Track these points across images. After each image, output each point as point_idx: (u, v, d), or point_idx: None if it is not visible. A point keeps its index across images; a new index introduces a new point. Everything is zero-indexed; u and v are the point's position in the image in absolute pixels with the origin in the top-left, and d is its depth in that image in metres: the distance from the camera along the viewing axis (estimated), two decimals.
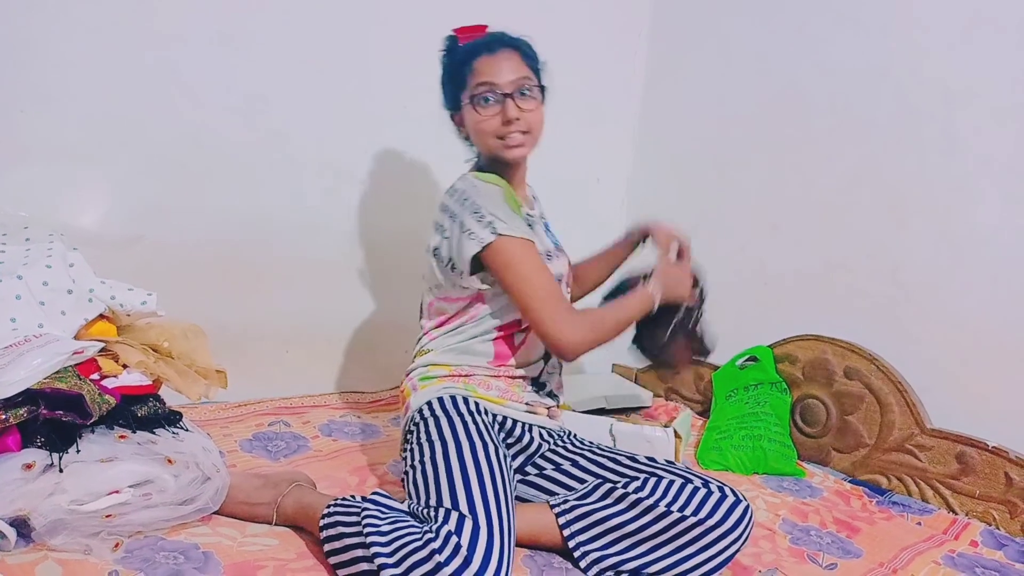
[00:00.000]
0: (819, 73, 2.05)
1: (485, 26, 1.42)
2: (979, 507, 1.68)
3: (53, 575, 0.99)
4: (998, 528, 1.63)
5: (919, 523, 1.63)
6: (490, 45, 1.38)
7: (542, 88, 1.42)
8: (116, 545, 1.07)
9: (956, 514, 1.69)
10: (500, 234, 1.30)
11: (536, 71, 1.41)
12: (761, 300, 2.19)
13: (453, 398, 1.36)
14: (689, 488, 1.24)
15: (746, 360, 2.09)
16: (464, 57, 1.39)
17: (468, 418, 1.31)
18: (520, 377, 1.44)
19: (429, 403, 1.36)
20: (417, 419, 1.35)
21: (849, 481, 1.84)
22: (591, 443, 1.46)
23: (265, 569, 1.10)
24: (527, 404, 1.42)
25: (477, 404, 1.36)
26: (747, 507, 1.25)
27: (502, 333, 1.42)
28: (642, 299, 1.41)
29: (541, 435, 1.42)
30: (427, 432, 1.30)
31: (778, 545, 1.45)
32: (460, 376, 1.40)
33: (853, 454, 1.90)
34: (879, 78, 1.92)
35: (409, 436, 1.36)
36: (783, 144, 2.13)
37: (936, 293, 1.82)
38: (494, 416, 1.38)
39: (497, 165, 1.42)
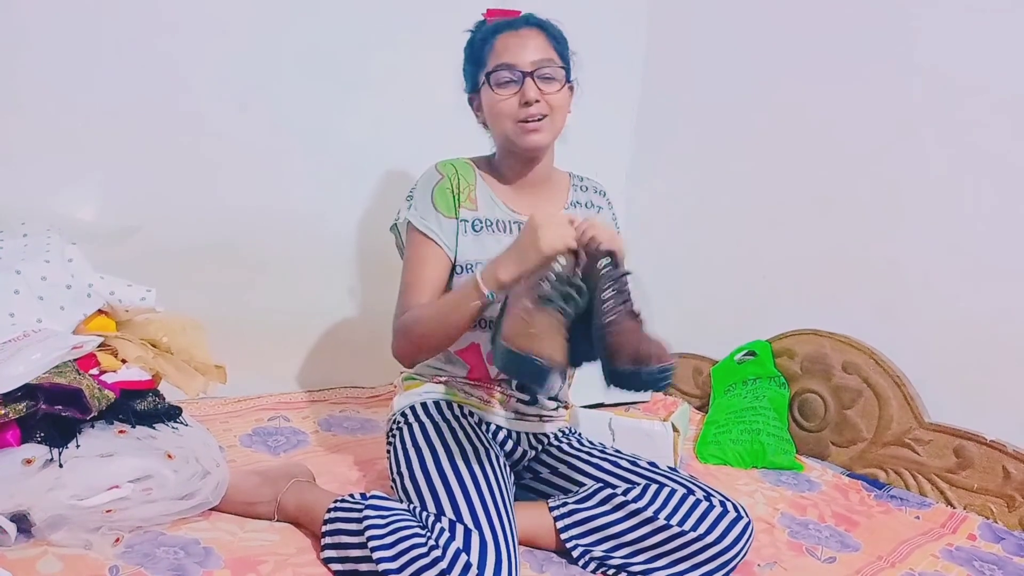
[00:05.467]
0: (818, 66, 2.05)
1: (518, 11, 1.35)
2: (977, 501, 1.69)
3: (54, 570, 0.99)
4: (996, 522, 1.64)
5: (917, 517, 1.63)
6: (513, 23, 1.31)
7: (567, 71, 1.33)
8: (116, 540, 1.07)
9: (954, 508, 1.70)
10: (408, 219, 1.34)
11: (562, 55, 1.33)
12: (759, 294, 2.19)
13: (437, 403, 1.34)
14: (690, 500, 1.22)
15: (744, 354, 2.10)
16: (486, 35, 1.32)
17: (455, 423, 1.29)
18: (503, 391, 1.37)
19: (412, 407, 1.34)
20: (401, 422, 1.33)
21: (847, 475, 1.84)
22: (591, 443, 1.42)
23: (266, 564, 1.09)
24: (515, 412, 1.38)
25: (461, 407, 1.34)
26: (748, 523, 1.23)
27: (467, 353, 1.36)
28: (466, 284, 1.19)
29: (529, 441, 1.39)
30: (412, 437, 1.27)
31: (777, 539, 1.45)
32: (440, 382, 1.38)
33: (851, 448, 1.91)
34: (877, 71, 1.92)
35: (391, 438, 1.34)
36: (781, 138, 2.13)
37: (934, 287, 1.82)
38: (480, 418, 1.35)
39: (511, 157, 1.36)
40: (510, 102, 1.28)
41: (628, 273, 1.16)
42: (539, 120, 1.29)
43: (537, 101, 1.27)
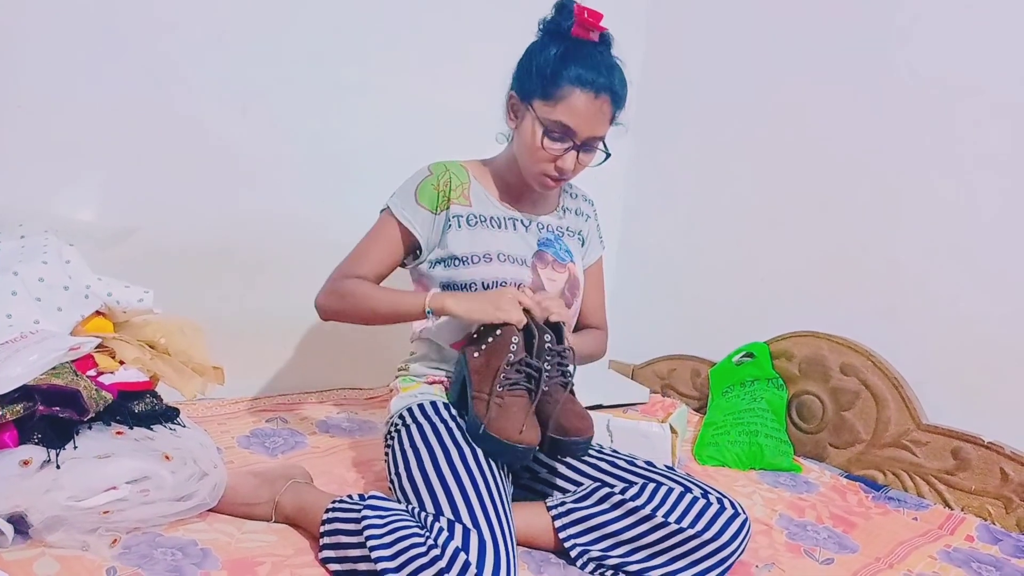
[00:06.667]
0: (817, 68, 2.05)
1: (601, 19, 1.31)
2: (975, 502, 1.69)
3: (51, 571, 0.99)
4: (993, 523, 1.64)
5: (915, 518, 1.63)
6: (598, 85, 1.27)
7: (606, 152, 1.36)
8: (114, 541, 1.06)
9: (952, 509, 1.70)
10: (387, 204, 1.40)
11: (614, 121, 1.35)
12: (757, 296, 2.19)
13: (433, 404, 1.34)
14: (688, 498, 1.22)
15: (743, 356, 2.10)
16: (566, 65, 1.27)
17: (452, 423, 1.29)
18: None
19: (410, 409, 1.34)
20: (398, 424, 1.34)
21: (845, 476, 1.84)
22: None
23: (263, 565, 1.09)
24: None
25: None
26: (745, 520, 1.24)
27: (460, 339, 1.38)
28: (415, 297, 1.32)
29: None
30: (410, 438, 1.28)
31: (775, 540, 1.45)
32: (435, 382, 1.39)
33: (849, 450, 1.91)
34: (877, 72, 1.93)
35: (390, 440, 1.34)
36: (779, 140, 2.14)
37: (932, 289, 1.83)
38: None
39: (518, 171, 1.40)
40: (548, 155, 1.32)
41: (569, 349, 1.29)
42: (560, 181, 1.36)
43: (570, 170, 1.33)
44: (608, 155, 1.37)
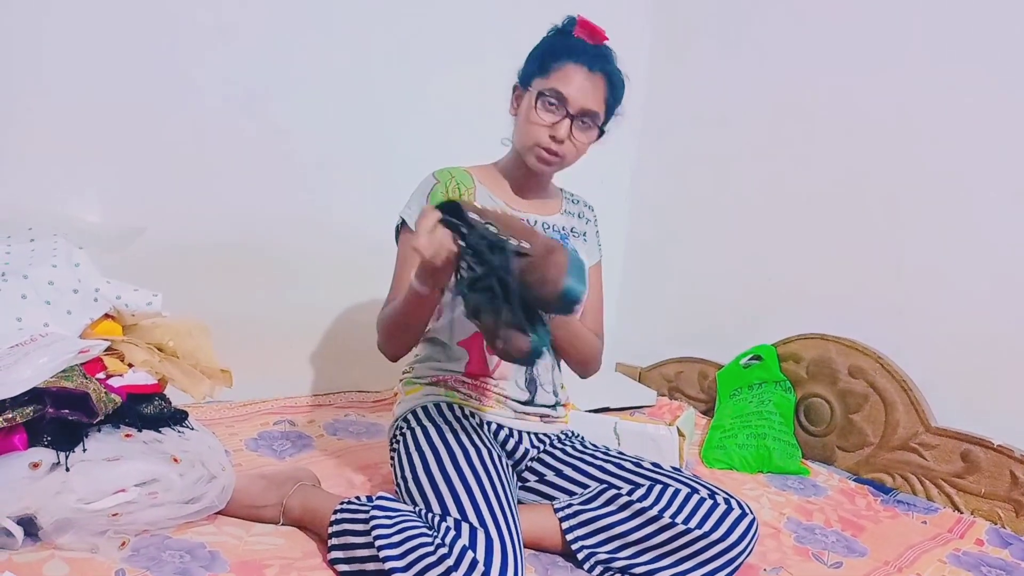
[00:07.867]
0: (820, 70, 2.05)
1: (603, 32, 1.36)
2: (984, 505, 1.68)
3: (60, 574, 0.99)
4: (1003, 527, 1.63)
5: (924, 522, 1.62)
6: (592, 60, 1.32)
7: (601, 129, 1.38)
8: (123, 544, 1.06)
9: (961, 512, 1.69)
10: (402, 218, 1.39)
11: (611, 107, 1.37)
12: (765, 299, 2.19)
13: (437, 405, 1.35)
14: (695, 499, 1.23)
15: (750, 359, 2.09)
16: (563, 50, 1.33)
17: (456, 424, 1.30)
18: (499, 392, 1.38)
19: (414, 412, 1.35)
20: (403, 427, 1.34)
21: (854, 480, 1.84)
22: (595, 446, 1.43)
23: (271, 568, 1.09)
24: (515, 412, 1.39)
25: (462, 408, 1.35)
26: (752, 520, 1.24)
27: (470, 343, 1.37)
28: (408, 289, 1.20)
29: (531, 441, 1.39)
30: (415, 440, 1.28)
31: (783, 544, 1.45)
32: (440, 381, 1.39)
33: (858, 453, 1.90)
34: (879, 74, 1.92)
35: (395, 443, 1.35)
36: (785, 141, 2.13)
37: (940, 291, 1.82)
38: (481, 419, 1.36)
39: (521, 159, 1.41)
40: (542, 121, 1.32)
41: (482, 224, 1.08)
42: (555, 156, 1.35)
43: (562, 142, 1.33)
44: (603, 132, 1.38)
